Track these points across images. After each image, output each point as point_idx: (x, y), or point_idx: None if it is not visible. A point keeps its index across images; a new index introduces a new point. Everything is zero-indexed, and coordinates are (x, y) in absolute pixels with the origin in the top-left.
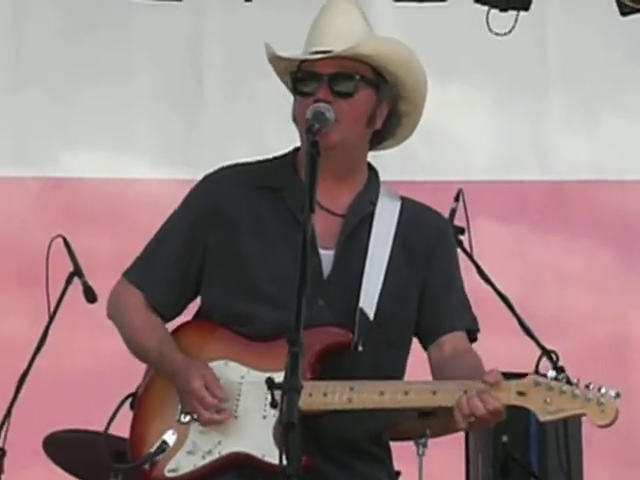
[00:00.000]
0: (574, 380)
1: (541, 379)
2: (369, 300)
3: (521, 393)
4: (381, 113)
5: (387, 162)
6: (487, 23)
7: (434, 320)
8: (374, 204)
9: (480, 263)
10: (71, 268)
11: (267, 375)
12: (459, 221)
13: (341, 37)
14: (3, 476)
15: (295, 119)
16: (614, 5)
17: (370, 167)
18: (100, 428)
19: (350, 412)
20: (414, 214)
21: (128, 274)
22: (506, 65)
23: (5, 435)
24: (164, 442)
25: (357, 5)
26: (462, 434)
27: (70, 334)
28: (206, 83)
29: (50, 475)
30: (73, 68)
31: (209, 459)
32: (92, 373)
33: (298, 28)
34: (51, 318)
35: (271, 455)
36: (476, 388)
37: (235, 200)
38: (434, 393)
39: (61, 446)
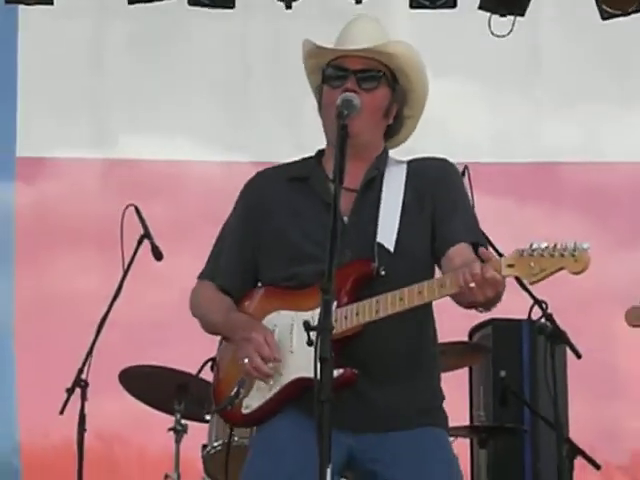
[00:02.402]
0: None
1: (524, 249)
2: (387, 237)
3: (510, 265)
4: (392, 112)
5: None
6: (489, 26)
7: (441, 238)
8: (379, 169)
9: None
10: (140, 232)
11: (309, 314)
12: None
13: (368, 37)
14: (87, 403)
15: (321, 110)
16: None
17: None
18: (163, 364)
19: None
20: (419, 166)
21: (200, 275)
22: (504, 62)
23: (88, 370)
24: (239, 386)
25: (377, 20)
26: (466, 370)
27: (140, 286)
28: (253, 79)
29: (124, 402)
30: (141, 66)
31: (275, 390)
32: (157, 319)
33: (326, 35)
34: (125, 272)
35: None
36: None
37: (270, 193)
38: (442, 286)
39: (134, 379)
